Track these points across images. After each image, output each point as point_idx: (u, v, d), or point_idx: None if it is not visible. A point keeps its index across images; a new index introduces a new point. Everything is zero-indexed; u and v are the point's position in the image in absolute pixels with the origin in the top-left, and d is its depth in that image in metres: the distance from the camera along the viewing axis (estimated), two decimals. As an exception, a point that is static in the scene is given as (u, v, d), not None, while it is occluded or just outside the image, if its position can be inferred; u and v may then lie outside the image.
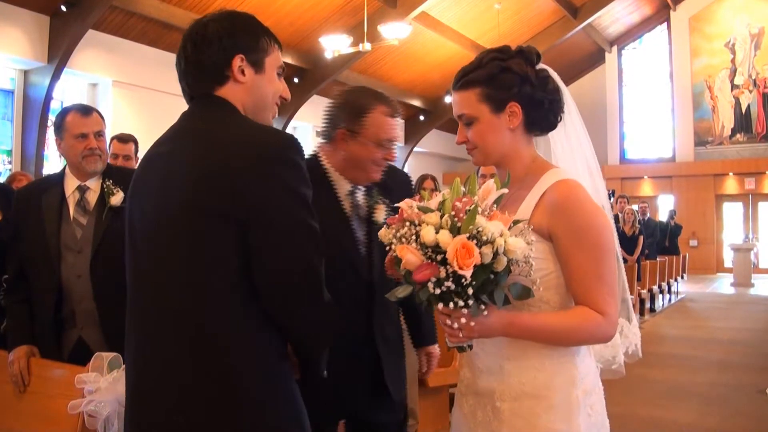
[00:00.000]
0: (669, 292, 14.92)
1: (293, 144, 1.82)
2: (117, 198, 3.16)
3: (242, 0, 13.40)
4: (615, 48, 25.34)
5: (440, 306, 1.72)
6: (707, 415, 6.18)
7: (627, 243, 12.16)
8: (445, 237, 1.65)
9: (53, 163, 11.71)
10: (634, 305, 11.26)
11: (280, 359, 1.81)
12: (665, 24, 24.75)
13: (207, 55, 1.90)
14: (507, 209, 1.84)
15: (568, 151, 2.12)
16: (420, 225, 1.70)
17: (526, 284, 1.78)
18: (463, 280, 1.65)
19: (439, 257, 1.66)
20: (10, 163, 11.55)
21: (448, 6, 16.83)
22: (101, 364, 2.66)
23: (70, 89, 12.69)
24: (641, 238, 12.30)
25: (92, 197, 3.20)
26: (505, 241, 1.66)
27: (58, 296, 3.11)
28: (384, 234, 1.79)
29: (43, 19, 11.37)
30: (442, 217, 1.70)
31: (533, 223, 1.86)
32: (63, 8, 11.20)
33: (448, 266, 1.64)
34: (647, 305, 12.81)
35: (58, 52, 11.34)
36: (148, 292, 1.83)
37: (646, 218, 13.76)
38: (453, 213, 1.69)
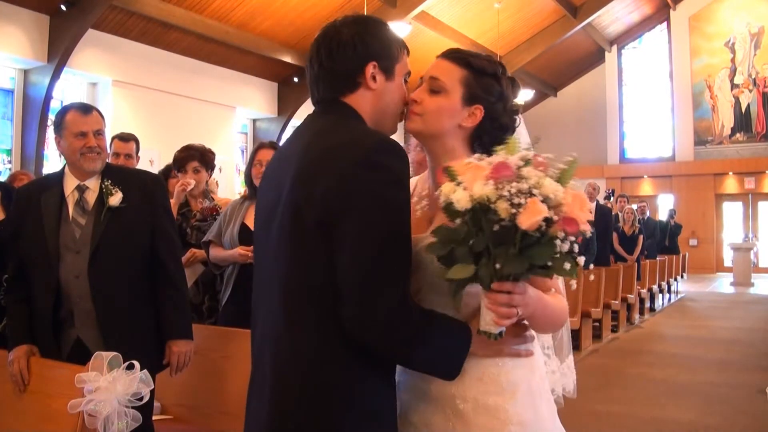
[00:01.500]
0: (669, 291, 14.94)
1: (383, 147, 1.76)
2: (115, 198, 3.15)
3: (242, 0, 13.41)
4: (615, 47, 25.34)
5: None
6: (707, 414, 6.18)
7: (627, 242, 12.18)
8: (561, 190, 1.56)
9: (53, 162, 11.70)
10: (633, 305, 11.35)
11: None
12: (665, 23, 24.76)
13: (341, 61, 1.87)
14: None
15: None
16: (531, 178, 1.57)
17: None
18: (583, 232, 1.56)
19: (551, 212, 1.55)
20: (9, 162, 11.55)
21: (447, 5, 16.83)
22: (101, 363, 2.66)
23: (69, 89, 12.69)
24: (641, 237, 12.31)
25: (91, 197, 3.18)
26: None
27: (57, 296, 3.10)
28: (465, 198, 1.56)
29: (43, 19, 11.37)
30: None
31: None
32: (63, 7, 11.19)
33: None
34: (647, 304, 12.82)
35: (58, 51, 11.33)
36: (257, 279, 1.93)
37: (645, 218, 13.76)
38: (541, 169, 1.60)
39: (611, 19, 23.27)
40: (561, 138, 22.51)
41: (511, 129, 1.98)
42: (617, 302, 10.30)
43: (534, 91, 21.79)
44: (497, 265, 1.58)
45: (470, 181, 1.59)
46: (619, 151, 25.39)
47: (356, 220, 1.67)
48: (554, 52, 21.31)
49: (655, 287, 13.10)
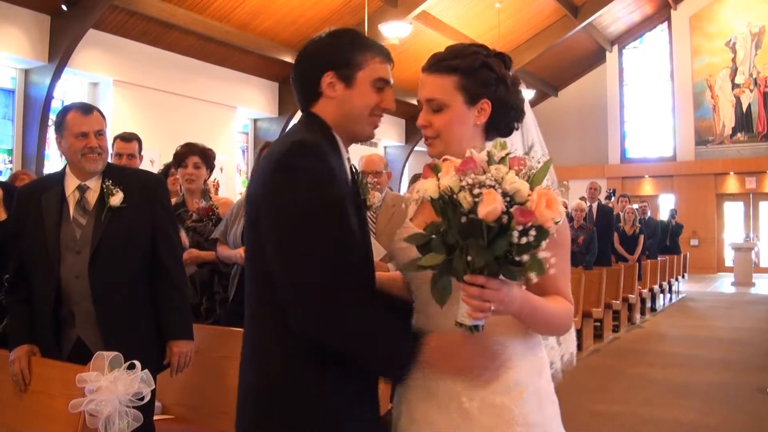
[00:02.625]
0: (670, 291, 14.94)
1: (297, 150, 1.85)
2: (116, 198, 3.14)
3: (243, 0, 13.41)
4: (616, 47, 25.34)
5: (480, 278, 1.64)
6: (707, 414, 6.18)
7: (627, 242, 12.17)
8: (525, 186, 1.62)
9: (54, 162, 11.70)
10: (634, 305, 11.35)
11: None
12: (666, 23, 24.76)
13: (302, 73, 2.03)
14: None
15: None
16: (494, 173, 1.64)
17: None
18: (544, 229, 1.61)
19: (514, 208, 1.60)
20: (10, 162, 11.55)
21: (448, 5, 16.82)
22: (102, 363, 2.67)
23: (70, 89, 12.69)
24: (642, 237, 12.30)
25: (92, 197, 3.18)
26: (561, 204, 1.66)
27: (57, 296, 3.10)
28: (432, 187, 1.68)
29: (43, 19, 11.37)
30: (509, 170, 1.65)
31: None
32: (63, 7, 11.19)
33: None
34: (648, 304, 12.81)
35: (59, 51, 11.33)
36: (245, 276, 2.06)
37: (646, 218, 13.76)
38: (515, 167, 1.66)
39: (612, 18, 23.26)
40: (562, 138, 22.55)
41: (521, 106, 2.00)
42: (618, 302, 10.30)
43: (535, 91, 21.77)
44: (468, 258, 1.63)
45: (443, 174, 1.71)
46: (620, 150, 25.39)
47: (269, 219, 1.84)
48: (555, 51, 21.30)
49: (656, 287, 13.10)
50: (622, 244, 12.14)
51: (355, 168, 2.10)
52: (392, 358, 1.87)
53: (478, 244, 1.61)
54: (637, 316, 11.86)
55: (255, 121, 16.99)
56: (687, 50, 24.10)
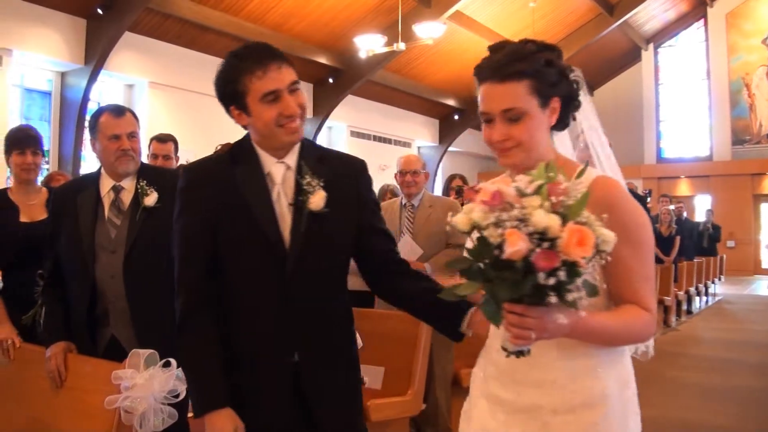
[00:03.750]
0: (706, 293, 14.72)
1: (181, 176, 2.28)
2: (151, 198, 3.16)
3: (278, 2, 13.47)
4: (651, 46, 25.05)
5: (553, 299, 1.57)
6: (744, 419, 6.08)
7: (664, 243, 12.01)
8: (555, 222, 1.52)
9: (90, 163, 11.86)
10: (669, 307, 11.20)
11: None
12: (702, 21, 24.43)
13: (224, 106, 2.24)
14: None
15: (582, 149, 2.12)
16: (520, 209, 1.56)
17: (593, 282, 1.66)
18: (576, 268, 1.52)
19: (546, 245, 1.52)
20: (47, 163, 11.73)
21: (482, 5, 16.76)
22: (138, 360, 2.69)
23: (106, 90, 12.86)
24: (678, 238, 12.15)
25: (126, 197, 3.20)
26: (603, 232, 1.56)
27: (92, 295, 3.14)
28: (464, 221, 1.62)
29: (79, 22, 11.55)
30: (543, 202, 1.56)
31: None
32: (99, 11, 11.35)
33: (560, 254, 1.52)
34: (684, 307, 12.63)
35: (95, 54, 11.50)
36: None
37: (682, 218, 13.58)
38: (554, 199, 1.56)
39: (647, 16, 23.02)
40: (596, 138, 22.29)
41: (578, 95, 1.95)
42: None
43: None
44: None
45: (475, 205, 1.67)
46: (655, 150, 25.11)
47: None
48: (590, 50, 21.10)
49: (692, 289, 12.92)
50: (658, 246, 11.96)
51: (305, 171, 2.20)
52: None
53: (505, 279, 1.56)
54: (673, 318, 11.70)
55: (287, 122, 17.07)
56: (723, 48, 23.75)
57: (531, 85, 1.83)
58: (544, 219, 1.52)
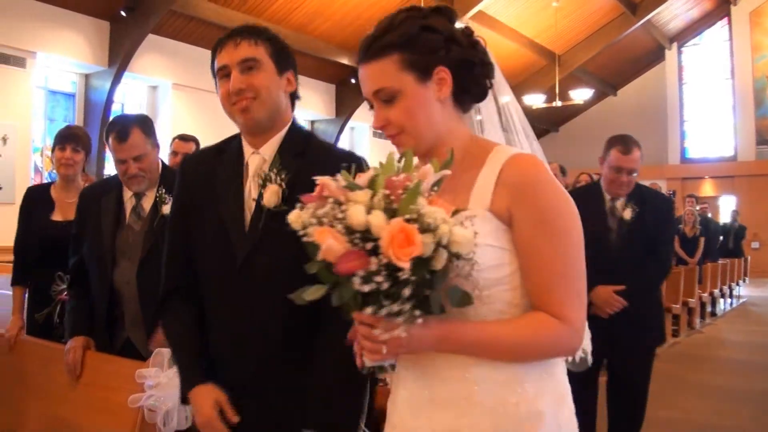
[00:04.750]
0: (730, 295, 14.55)
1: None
2: (168, 207, 3.11)
3: (301, 3, 13.51)
4: (675, 45, 24.82)
5: (368, 310, 1.34)
6: (767, 424, 6.01)
7: (688, 244, 11.90)
8: (378, 219, 1.29)
9: (113, 164, 11.97)
10: (693, 309, 11.08)
11: None
12: (725, 19, 24.16)
13: None
14: (455, 197, 1.51)
15: (499, 127, 1.79)
16: (346, 204, 1.34)
17: (465, 288, 1.42)
18: (400, 274, 1.29)
19: (369, 245, 1.30)
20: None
21: (505, 4, 16.72)
22: (162, 359, 2.72)
23: (130, 92, 12.97)
24: (702, 239, 12.03)
25: (147, 204, 3.22)
26: (450, 230, 1.31)
27: (111, 297, 3.17)
28: (295, 218, 1.41)
29: (103, 25, 11.66)
30: (373, 196, 1.34)
31: (494, 208, 1.52)
32: (122, 13, 11.46)
33: (380, 256, 1.29)
34: (708, 309, 12.50)
35: (119, 56, 11.61)
36: None
37: (707, 219, 13.45)
38: (388, 192, 1.33)
39: (671, 15, 22.79)
40: (619, 138, 22.12)
41: (485, 59, 1.68)
42: (678, 306, 10.07)
43: (594, 90, 21.42)
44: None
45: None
46: (679, 151, 24.86)
47: None
48: (613, 50, 20.97)
49: (716, 291, 12.78)
50: (682, 247, 11.88)
51: (274, 164, 2.07)
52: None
53: (340, 284, 1.36)
54: (697, 320, 11.58)
55: (312, 122, 17.13)
56: (747, 47, 23.47)
57: (401, 58, 1.57)
58: (358, 215, 1.30)
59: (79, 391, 3.15)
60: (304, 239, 1.37)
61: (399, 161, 1.41)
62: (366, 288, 1.30)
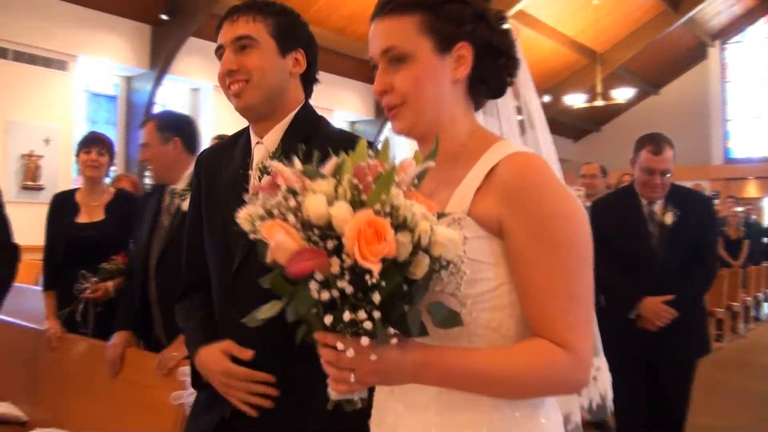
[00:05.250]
0: (776, 299, 14.24)
1: None
2: (187, 203, 3.22)
3: (341, 5, 13.55)
4: (717, 42, 24.37)
5: (327, 319, 1.09)
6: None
7: (732, 247, 11.68)
8: (341, 211, 1.06)
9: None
10: (737, 313, 10.84)
11: None
12: (769, 16, 23.68)
13: None
14: (436, 195, 1.33)
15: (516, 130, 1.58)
16: (302, 194, 1.11)
17: (453, 305, 1.19)
18: (367, 277, 1.05)
19: (330, 244, 1.07)
20: (114, 165, 12.03)
21: (545, 3, 16.57)
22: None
23: (171, 94, 13.12)
24: (747, 242, 11.79)
25: (178, 201, 3.27)
26: (432, 229, 1.09)
27: (143, 295, 3.24)
28: (244, 216, 1.20)
29: (144, 28, 11.81)
30: (338, 186, 1.11)
31: (478, 212, 1.29)
32: (164, 17, 11.61)
33: (344, 256, 1.06)
34: (752, 313, 12.24)
35: (160, 58, 11.77)
36: None
37: (751, 221, 13.18)
38: (355, 181, 1.10)
39: (713, 12, 22.38)
40: (661, 138, 21.79)
41: (512, 52, 1.45)
42: (722, 310, 9.88)
43: (636, 89, 21.13)
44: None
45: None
46: (723, 151, 24.40)
47: None
48: (655, 48, 20.64)
49: (760, 295, 12.49)
50: (726, 249, 11.65)
51: (273, 154, 1.91)
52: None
53: (297, 294, 1.13)
54: (741, 325, 11.35)
55: (352, 123, 17.16)
56: (792, 44, 22.97)
57: (423, 20, 1.36)
58: (317, 206, 1.07)
59: (120, 388, 3.19)
60: (252, 237, 1.16)
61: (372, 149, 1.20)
62: (325, 295, 1.07)
